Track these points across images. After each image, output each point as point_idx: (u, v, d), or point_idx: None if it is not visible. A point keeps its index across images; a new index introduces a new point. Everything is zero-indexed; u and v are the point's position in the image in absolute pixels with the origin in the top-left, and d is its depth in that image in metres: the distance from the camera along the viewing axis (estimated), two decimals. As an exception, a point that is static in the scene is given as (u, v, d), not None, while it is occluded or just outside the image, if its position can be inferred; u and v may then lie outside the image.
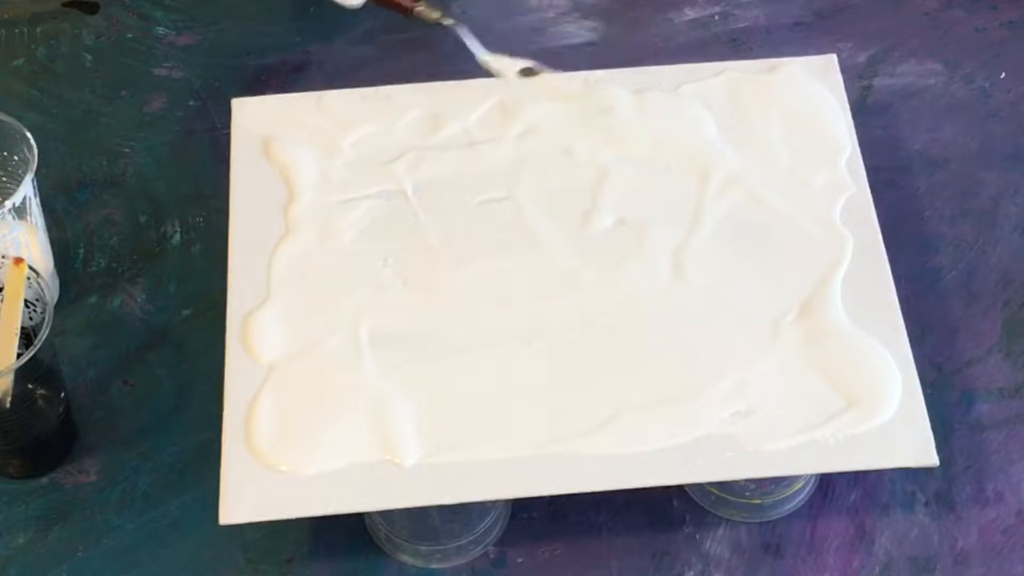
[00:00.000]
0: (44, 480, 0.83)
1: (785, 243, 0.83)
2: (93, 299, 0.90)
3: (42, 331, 0.77)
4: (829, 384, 0.78)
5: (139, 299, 0.90)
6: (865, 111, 0.97)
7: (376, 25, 1.03)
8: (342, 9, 0.97)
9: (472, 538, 0.80)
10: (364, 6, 0.96)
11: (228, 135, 0.89)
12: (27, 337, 0.80)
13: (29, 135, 0.84)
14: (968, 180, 0.94)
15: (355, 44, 1.02)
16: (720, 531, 0.81)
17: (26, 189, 0.83)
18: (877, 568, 0.79)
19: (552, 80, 0.90)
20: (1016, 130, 0.97)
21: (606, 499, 0.81)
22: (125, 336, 0.88)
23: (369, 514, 0.80)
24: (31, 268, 0.79)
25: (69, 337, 0.88)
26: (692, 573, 0.79)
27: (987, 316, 0.88)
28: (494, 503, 0.80)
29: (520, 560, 0.80)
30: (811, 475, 0.81)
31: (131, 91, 1.00)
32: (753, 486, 0.80)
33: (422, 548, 0.80)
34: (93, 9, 1.04)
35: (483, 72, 0.93)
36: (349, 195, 0.86)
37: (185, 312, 0.89)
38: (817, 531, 0.81)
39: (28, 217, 0.85)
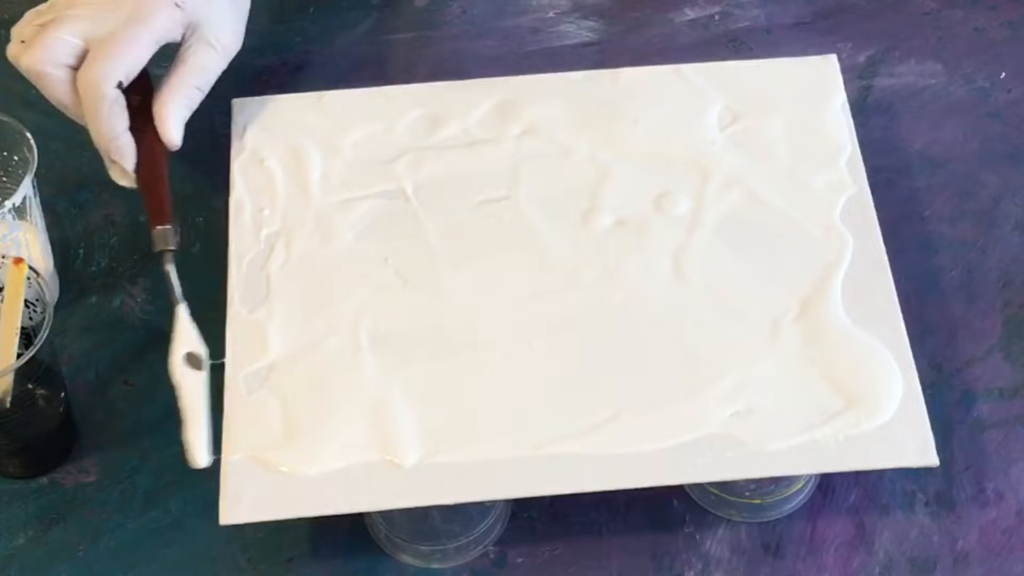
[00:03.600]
0: (44, 480, 0.83)
1: (785, 243, 0.83)
2: (93, 299, 0.90)
3: (42, 331, 0.77)
4: (829, 384, 0.78)
5: (139, 299, 0.90)
6: (865, 111, 0.97)
7: (376, 25, 1.03)
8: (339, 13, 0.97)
9: (472, 538, 0.80)
10: None
11: (228, 135, 0.89)
12: (27, 337, 0.80)
13: (29, 135, 0.84)
14: (968, 180, 0.94)
15: (355, 44, 1.02)
16: (720, 531, 0.81)
17: (26, 189, 0.83)
18: (877, 568, 0.79)
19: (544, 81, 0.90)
20: (1016, 130, 0.97)
21: (606, 499, 0.81)
22: (125, 336, 0.88)
23: (369, 514, 0.80)
24: (31, 268, 0.79)
25: (69, 337, 0.88)
26: (692, 573, 0.79)
27: (987, 316, 0.88)
28: (494, 503, 0.80)
29: (520, 560, 0.80)
30: (811, 475, 0.81)
31: (131, 91, 1.00)
32: (753, 486, 0.80)
33: (422, 548, 0.80)
34: (93, 9, 1.04)
35: (483, 72, 0.94)
36: (349, 195, 0.86)
37: (185, 312, 0.89)
38: (817, 531, 0.81)
39: (28, 217, 0.85)
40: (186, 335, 0.79)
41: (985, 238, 0.91)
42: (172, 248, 0.82)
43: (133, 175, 0.84)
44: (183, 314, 0.79)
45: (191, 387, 0.77)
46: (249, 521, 0.74)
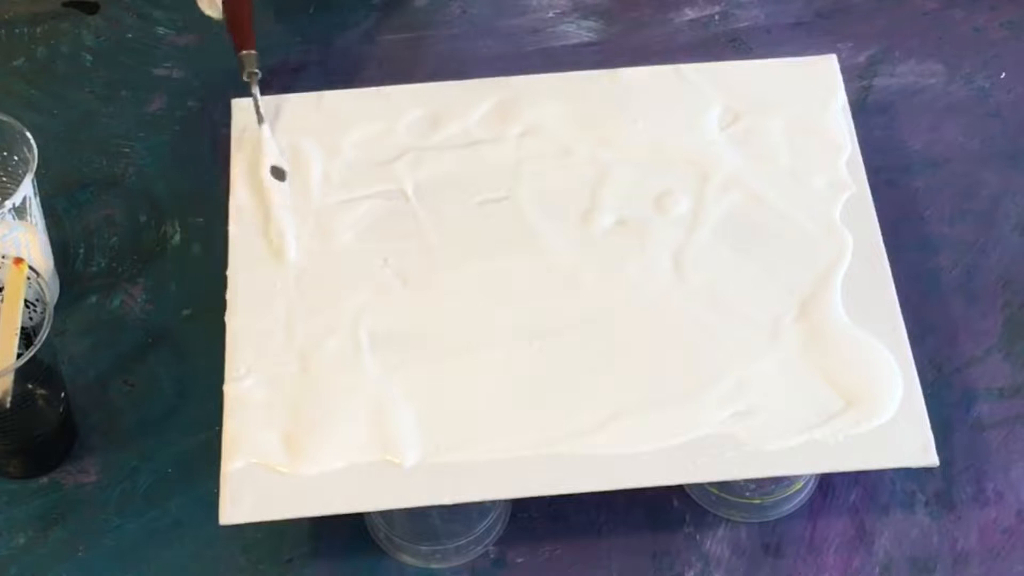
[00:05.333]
0: (44, 480, 0.83)
1: (785, 243, 0.83)
2: (93, 299, 0.90)
3: (42, 331, 0.77)
4: (829, 384, 0.78)
5: (139, 299, 0.90)
6: (865, 111, 0.97)
7: (376, 25, 1.03)
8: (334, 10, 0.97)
9: (472, 538, 0.80)
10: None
11: (228, 135, 0.89)
12: (27, 337, 0.80)
13: (29, 135, 0.84)
14: (968, 180, 0.94)
15: (355, 44, 1.02)
16: (720, 531, 0.81)
17: (26, 189, 0.83)
18: (877, 568, 0.79)
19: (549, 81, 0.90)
20: (1016, 130, 0.97)
21: (606, 499, 0.81)
22: (125, 336, 0.88)
23: (369, 514, 0.80)
24: (31, 268, 0.79)
25: (69, 337, 0.88)
26: (692, 573, 0.79)
27: (987, 316, 0.88)
28: (494, 503, 0.80)
29: (520, 560, 0.80)
30: (811, 475, 0.81)
31: (131, 91, 1.00)
32: (753, 486, 0.80)
33: (422, 548, 0.80)
34: (93, 9, 1.04)
35: (483, 72, 0.94)
36: (349, 195, 0.86)
37: (185, 312, 0.89)
38: (817, 531, 0.81)
39: (28, 217, 0.85)
40: (271, 150, 0.87)
41: (985, 238, 0.91)
42: (257, 71, 0.90)
43: (220, 5, 0.93)
44: (267, 133, 0.88)
45: (277, 194, 0.85)
46: (249, 521, 0.74)
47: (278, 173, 0.86)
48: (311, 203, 0.85)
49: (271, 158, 0.87)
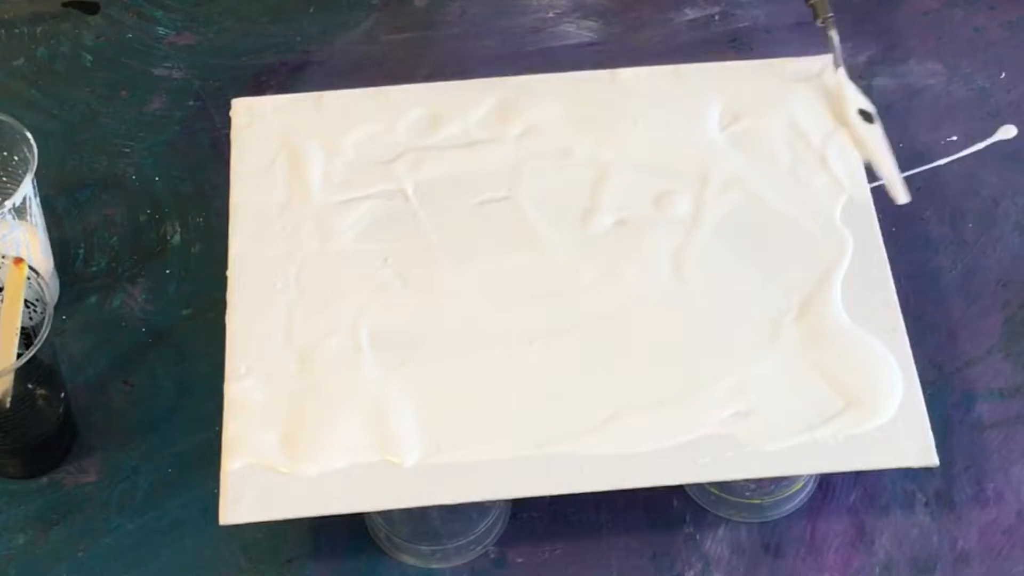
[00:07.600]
0: (44, 480, 0.83)
1: (785, 243, 0.83)
2: (93, 299, 0.90)
3: (42, 331, 0.77)
4: (829, 384, 0.78)
5: (139, 299, 0.90)
6: (865, 111, 0.97)
7: (376, 25, 1.03)
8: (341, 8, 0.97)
9: (472, 538, 0.80)
10: None
11: (228, 135, 0.89)
12: (27, 337, 0.80)
13: (29, 135, 0.84)
14: (968, 180, 0.94)
15: (355, 44, 1.02)
16: (720, 531, 0.81)
17: (26, 189, 0.83)
18: (877, 568, 0.79)
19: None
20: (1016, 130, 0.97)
21: (606, 499, 0.81)
22: (125, 336, 0.88)
23: (369, 514, 0.80)
24: (31, 268, 0.79)
25: (69, 337, 0.88)
26: (692, 573, 0.79)
27: (987, 316, 0.88)
28: (494, 503, 0.80)
29: (520, 560, 0.80)
30: (811, 475, 0.81)
31: (131, 91, 1.00)
32: (753, 486, 0.80)
33: (422, 548, 0.80)
34: (93, 9, 1.04)
35: (483, 72, 0.93)
36: (349, 195, 0.86)
37: (185, 312, 0.89)
38: (817, 531, 0.81)
39: (28, 217, 0.85)
40: (853, 94, 0.89)
41: (985, 238, 0.91)
42: (831, 14, 0.91)
43: None
44: (844, 77, 0.89)
45: (870, 138, 0.87)
46: (249, 521, 0.74)
47: (866, 116, 0.87)
48: (311, 203, 0.85)
49: (857, 102, 0.88)
